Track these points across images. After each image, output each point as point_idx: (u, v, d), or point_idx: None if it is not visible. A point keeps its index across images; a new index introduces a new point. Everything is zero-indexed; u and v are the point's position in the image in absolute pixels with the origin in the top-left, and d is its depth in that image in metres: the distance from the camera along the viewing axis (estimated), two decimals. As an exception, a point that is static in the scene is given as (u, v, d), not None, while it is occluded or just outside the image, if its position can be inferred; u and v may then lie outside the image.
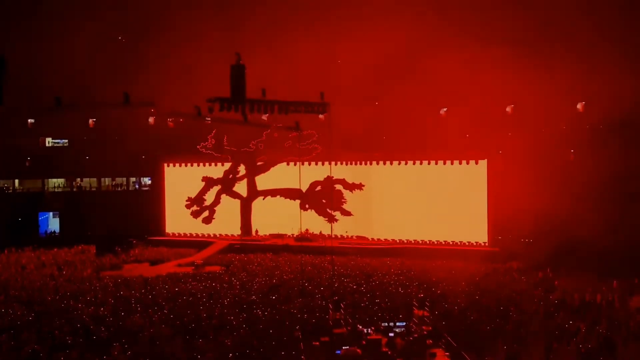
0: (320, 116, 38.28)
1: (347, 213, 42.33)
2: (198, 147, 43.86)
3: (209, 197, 45.34)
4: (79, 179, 52.79)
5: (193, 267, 34.66)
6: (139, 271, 33.64)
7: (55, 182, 52.63)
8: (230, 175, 45.05)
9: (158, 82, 40.42)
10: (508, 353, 17.83)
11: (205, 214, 45.28)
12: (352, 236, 41.80)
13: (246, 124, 31.57)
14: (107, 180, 53.19)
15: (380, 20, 41.24)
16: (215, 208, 45.20)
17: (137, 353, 18.40)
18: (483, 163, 39.45)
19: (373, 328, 19.57)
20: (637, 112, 37.77)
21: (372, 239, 41.77)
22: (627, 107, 36.58)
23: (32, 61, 43.80)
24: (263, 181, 44.54)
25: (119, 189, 52.90)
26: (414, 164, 41.34)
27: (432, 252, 37.56)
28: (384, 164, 42.17)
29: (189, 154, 45.06)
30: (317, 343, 18.79)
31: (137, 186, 53.33)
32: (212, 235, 45.03)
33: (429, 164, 40.90)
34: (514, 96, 42.57)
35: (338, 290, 27.01)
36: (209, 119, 32.64)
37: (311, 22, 42.83)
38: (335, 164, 40.45)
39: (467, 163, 39.86)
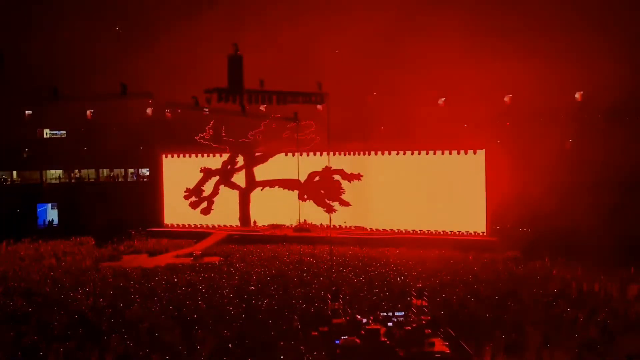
0: (319, 106, 38.32)
1: (345, 203, 42.35)
2: (196, 137, 43.81)
3: (208, 188, 45.34)
4: (77, 170, 52.75)
5: (192, 258, 34.67)
6: (138, 262, 33.70)
7: (54, 174, 52.57)
8: (229, 166, 45.03)
9: (155, 73, 40.35)
10: (507, 342, 17.88)
11: (204, 204, 45.30)
12: (350, 226, 41.85)
13: (244, 114, 31.58)
14: (105, 172, 53.19)
15: (380, 10, 41.13)
16: (213, 199, 45.22)
17: (136, 344, 18.41)
18: (481, 153, 39.41)
19: (372, 318, 19.59)
20: (635, 102, 37.87)
21: (371, 229, 41.81)
22: (625, 97, 36.63)
23: (30, 52, 43.70)
24: (261, 172, 44.52)
25: (117, 180, 52.87)
26: (412, 154, 41.29)
27: (430, 242, 37.58)
28: (382, 154, 42.14)
29: (187, 145, 44.99)
30: (316, 333, 18.82)
31: (135, 177, 53.28)
32: (210, 226, 45.06)
33: (427, 154, 40.85)
34: (512, 86, 42.56)
35: (337, 280, 27.03)
36: (207, 109, 32.61)
37: (309, 12, 42.70)
38: (334, 155, 40.41)
39: (466, 153, 39.82)
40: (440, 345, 17.70)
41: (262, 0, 46.23)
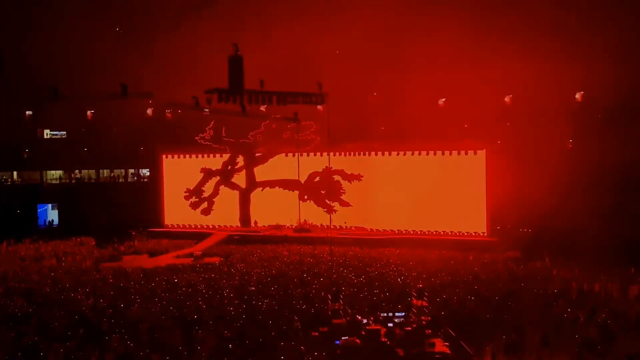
0: (319, 107, 38.33)
1: (345, 204, 42.34)
2: (196, 138, 43.80)
3: (208, 189, 45.34)
4: (77, 171, 52.75)
5: (192, 259, 34.67)
6: (138, 262, 33.69)
7: (54, 174, 52.58)
8: (229, 167, 45.03)
9: (156, 73, 40.35)
10: (507, 343, 17.87)
11: (204, 205, 45.29)
12: (350, 227, 41.82)
13: (244, 115, 31.58)
14: (105, 172, 53.19)
15: (380, 10, 41.14)
16: (214, 199, 45.22)
17: (137, 344, 18.40)
18: (482, 153, 39.40)
19: (372, 318, 19.58)
20: (634, 102, 37.91)
21: (371, 229, 41.79)
22: (625, 97, 36.67)
23: (30, 52, 43.70)
24: (262, 172, 44.51)
25: (118, 180, 52.88)
26: (412, 154, 41.29)
27: (430, 242, 37.59)
28: (383, 154, 42.12)
29: (187, 145, 44.99)
30: (316, 333, 18.81)
31: (135, 178, 53.30)
32: (211, 227, 45.04)
33: (427, 154, 40.84)
34: (512, 86, 42.58)
35: (337, 280, 27.02)
36: (207, 110, 32.61)
37: (309, 12, 42.72)
38: (334, 155, 40.40)
39: (466, 153, 39.82)
40: (440, 346, 17.70)
41: (262, 0, 46.26)
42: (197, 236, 42.47)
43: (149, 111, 47.99)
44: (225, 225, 44.89)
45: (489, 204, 38.96)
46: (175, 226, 46.15)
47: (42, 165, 51.27)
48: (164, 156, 46.97)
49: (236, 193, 44.96)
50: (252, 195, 44.73)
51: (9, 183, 52.10)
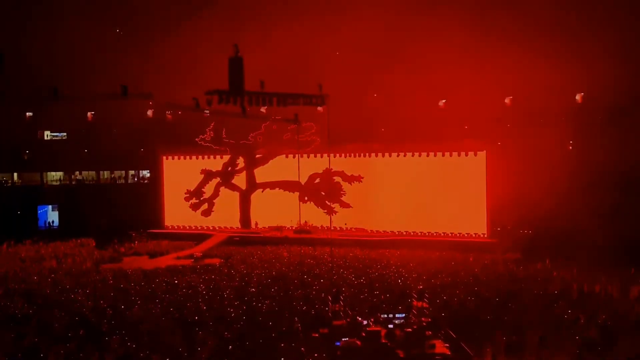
0: (319, 108, 38.32)
1: (346, 205, 42.31)
2: (197, 139, 43.79)
3: (208, 190, 45.32)
4: (77, 172, 52.74)
5: (192, 260, 34.65)
6: (138, 264, 33.64)
7: (54, 176, 52.58)
8: (229, 168, 45.02)
9: (156, 74, 40.37)
10: (507, 343, 17.85)
11: (204, 206, 45.28)
12: (351, 228, 41.79)
13: (245, 116, 31.57)
14: (105, 173, 53.19)
15: (380, 11, 41.15)
16: (214, 201, 45.20)
17: (137, 345, 18.39)
18: (482, 154, 39.38)
19: (372, 319, 19.56)
20: (634, 102, 37.92)
21: (371, 230, 41.77)
22: (625, 98, 36.68)
23: (30, 52, 43.71)
24: (262, 173, 44.50)
25: (118, 181, 52.86)
26: (412, 155, 41.27)
27: (431, 244, 37.54)
28: (383, 155, 42.09)
29: (187, 147, 45.00)
30: (317, 335, 18.79)
31: (135, 179, 53.27)
32: (211, 228, 45.02)
33: (427, 155, 40.83)
34: (512, 87, 42.58)
35: (337, 282, 27.01)
36: (208, 111, 32.61)
37: (310, 13, 42.73)
38: (334, 156, 40.36)
39: (466, 155, 39.80)
40: (440, 347, 17.68)
41: (262, 0, 46.29)
42: (197, 237, 42.42)
43: (149, 112, 47.98)
44: (225, 227, 44.87)
45: (489, 205, 38.94)
46: (176, 227, 46.14)
47: (43, 166, 51.28)
48: (164, 157, 46.97)
49: (236, 194, 44.95)
50: (252, 196, 44.73)
51: (9, 184, 52.13)
